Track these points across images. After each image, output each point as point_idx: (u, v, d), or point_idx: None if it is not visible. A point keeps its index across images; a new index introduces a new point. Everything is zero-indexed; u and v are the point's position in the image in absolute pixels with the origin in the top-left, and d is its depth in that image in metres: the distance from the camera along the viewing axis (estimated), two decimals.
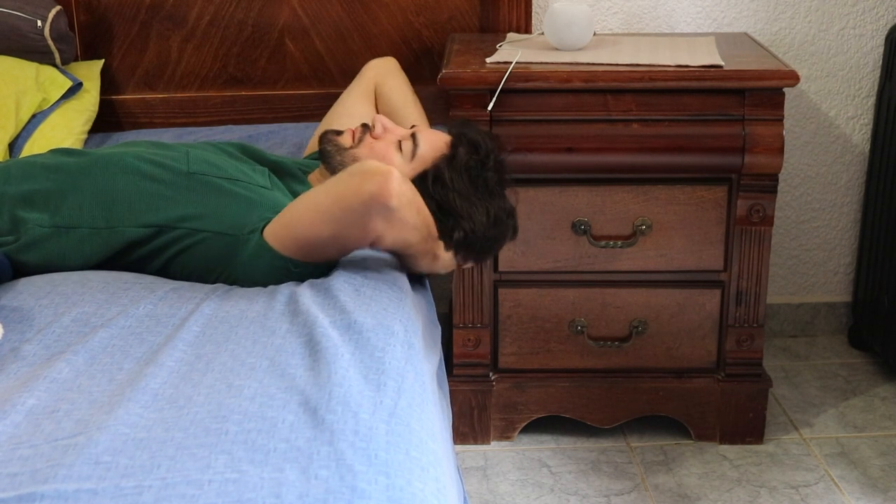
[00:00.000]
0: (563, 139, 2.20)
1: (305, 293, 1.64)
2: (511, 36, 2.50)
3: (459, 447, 2.37)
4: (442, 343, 1.94)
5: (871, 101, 2.73)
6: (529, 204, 2.22)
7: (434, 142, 1.95)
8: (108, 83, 2.56)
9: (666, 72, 2.18)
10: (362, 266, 1.78)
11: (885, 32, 2.67)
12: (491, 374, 2.36)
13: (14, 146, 2.30)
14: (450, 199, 1.86)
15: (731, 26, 2.66)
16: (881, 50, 2.68)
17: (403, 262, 1.87)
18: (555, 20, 2.29)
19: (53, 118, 2.35)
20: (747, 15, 2.66)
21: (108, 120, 2.55)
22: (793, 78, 2.16)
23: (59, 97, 2.37)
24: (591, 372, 2.36)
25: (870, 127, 2.75)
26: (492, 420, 2.38)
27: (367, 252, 1.83)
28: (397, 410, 1.31)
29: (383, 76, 2.30)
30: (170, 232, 1.77)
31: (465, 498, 1.63)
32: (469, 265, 1.97)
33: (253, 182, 1.86)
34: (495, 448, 2.38)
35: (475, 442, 2.39)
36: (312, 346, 1.45)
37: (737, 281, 2.28)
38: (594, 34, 2.39)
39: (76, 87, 2.40)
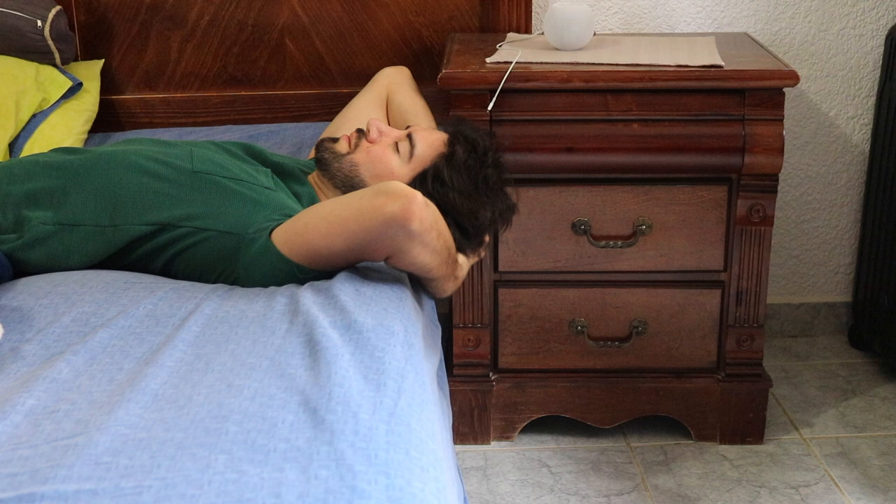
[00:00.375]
0: (563, 139, 2.20)
1: (306, 293, 1.64)
2: (511, 36, 2.50)
3: (459, 447, 2.37)
4: (442, 343, 1.94)
5: (871, 101, 2.73)
6: (529, 204, 2.22)
7: (431, 141, 1.95)
8: (108, 83, 2.56)
9: (666, 72, 2.18)
10: (363, 266, 1.78)
11: (885, 32, 2.67)
12: (491, 374, 2.36)
13: (14, 146, 2.30)
14: (450, 198, 1.86)
15: (731, 26, 2.66)
16: (881, 50, 2.68)
17: (425, 286, 1.87)
18: (555, 20, 2.29)
19: (53, 118, 2.35)
20: (747, 15, 2.66)
21: (108, 120, 2.55)
22: (793, 78, 2.16)
23: (59, 97, 2.37)
24: (591, 372, 2.36)
25: (870, 127, 2.75)
26: (492, 420, 2.38)
27: None
28: (397, 410, 1.31)
29: (396, 85, 2.30)
30: (173, 230, 1.77)
31: (465, 498, 1.63)
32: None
33: (257, 183, 1.86)
34: (495, 448, 2.38)
35: (475, 442, 2.39)
36: (312, 346, 1.45)
37: (737, 281, 2.28)
38: (594, 34, 2.39)
39: (76, 87, 2.40)
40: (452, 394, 2.28)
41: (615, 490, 2.22)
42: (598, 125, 2.20)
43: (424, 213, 1.66)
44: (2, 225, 1.81)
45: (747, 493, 2.21)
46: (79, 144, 2.36)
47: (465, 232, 1.86)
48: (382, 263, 1.79)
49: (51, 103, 2.36)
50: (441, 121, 2.15)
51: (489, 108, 2.17)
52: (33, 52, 2.36)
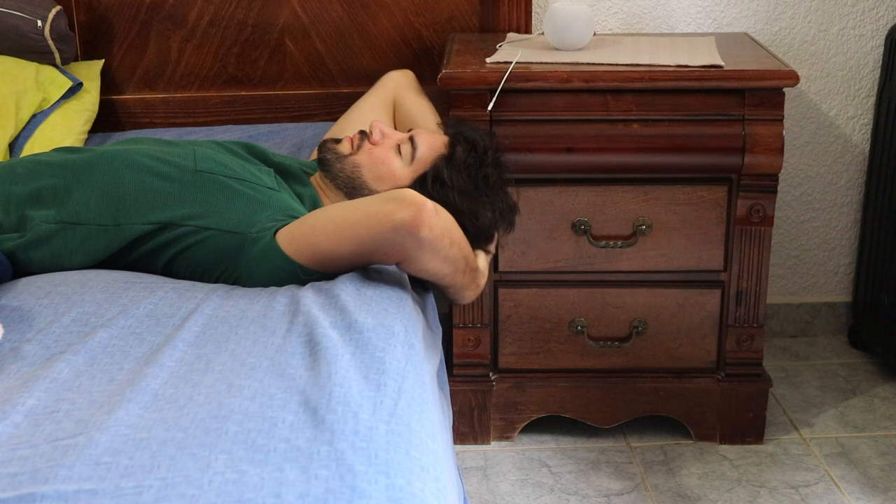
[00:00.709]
0: (563, 139, 2.20)
1: (306, 293, 1.64)
2: (511, 36, 2.50)
3: (459, 447, 2.37)
4: (442, 343, 1.94)
5: (871, 101, 2.73)
6: (529, 204, 2.22)
7: (432, 143, 1.96)
8: (108, 83, 2.56)
9: (666, 72, 2.18)
10: (364, 266, 1.78)
11: (885, 32, 2.67)
12: (491, 374, 2.36)
13: (14, 146, 2.30)
14: (450, 198, 1.86)
15: (731, 26, 2.66)
16: (881, 50, 2.68)
17: (445, 295, 1.88)
18: (555, 20, 2.29)
19: (53, 118, 2.35)
20: (747, 15, 2.66)
21: (108, 120, 2.55)
22: (793, 78, 2.16)
23: (59, 97, 2.37)
24: (591, 372, 2.36)
25: (870, 127, 2.75)
26: (492, 420, 2.38)
27: None
28: (397, 410, 1.31)
29: (403, 88, 2.31)
30: (175, 229, 1.77)
31: (465, 498, 1.63)
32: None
33: (260, 183, 1.86)
34: (495, 448, 2.38)
35: (475, 442, 2.39)
36: (313, 346, 1.45)
37: (737, 281, 2.28)
38: (594, 34, 2.39)
39: (76, 87, 2.40)
40: (452, 394, 2.28)
41: (615, 490, 2.22)
42: (598, 125, 2.20)
43: (434, 221, 1.65)
44: (4, 224, 1.81)
45: (747, 493, 2.21)
46: (79, 144, 2.36)
47: (468, 232, 1.86)
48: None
49: (51, 103, 2.36)
50: (442, 122, 2.16)
51: (489, 108, 2.17)
52: (33, 52, 2.36)
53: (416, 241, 1.65)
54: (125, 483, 1.15)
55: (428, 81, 2.33)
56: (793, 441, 2.40)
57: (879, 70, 2.69)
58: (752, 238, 2.26)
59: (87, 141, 2.42)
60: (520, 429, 2.40)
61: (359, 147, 1.98)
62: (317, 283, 1.69)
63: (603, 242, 2.27)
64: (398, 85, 2.32)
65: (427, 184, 1.89)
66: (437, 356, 1.80)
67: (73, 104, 2.39)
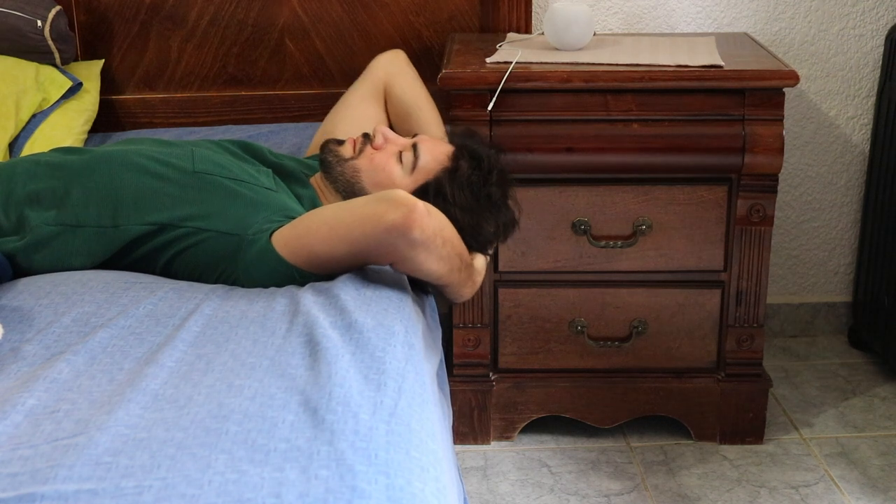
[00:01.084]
0: (563, 139, 2.20)
1: (306, 294, 1.64)
2: (511, 36, 2.50)
3: (459, 447, 2.37)
4: (442, 343, 1.94)
5: (871, 101, 2.73)
6: (529, 204, 2.22)
7: (435, 154, 1.93)
8: (108, 83, 2.56)
9: (666, 72, 2.18)
10: (363, 267, 1.78)
11: (885, 32, 2.67)
12: (491, 374, 2.36)
13: (14, 146, 2.30)
14: (451, 214, 1.82)
15: (731, 26, 2.66)
16: (881, 50, 2.68)
17: (443, 294, 1.87)
18: (555, 20, 2.29)
19: (53, 118, 2.35)
20: (747, 15, 2.66)
21: (108, 120, 2.55)
22: (793, 78, 2.16)
23: (59, 97, 2.37)
24: (591, 372, 2.36)
25: (870, 127, 2.75)
26: (492, 420, 2.38)
27: None
28: (397, 410, 1.31)
29: (393, 75, 2.26)
30: (173, 230, 1.77)
31: (465, 498, 1.63)
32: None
33: (258, 184, 1.86)
34: (495, 448, 2.38)
35: (475, 442, 2.39)
36: (313, 346, 1.45)
37: (737, 281, 2.28)
38: (594, 34, 2.39)
39: (76, 87, 2.40)
40: (452, 394, 2.28)
41: (615, 490, 2.22)
42: (598, 125, 2.20)
43: (426, 222, 1.65)
44: (4, 226, 1.81)
45: (747, 493, 2.21)
46: (79, 144, 2.36)
47: (467, 244, 1.85)
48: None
49: (51, 103, 2.36)
50: (450, 129, 2.14)
51: (489, 108, 2.17)
52: (33, 52, 2.36)
53: (408, 242, 1.64)
54: (125, 483, 1.15)
55: (428, 81, 2.33)
56: (793, 441, 2.40)
57: (879, 70, 2.69)
58: (752, 238, 2.26)
59: (87, 141, 2.42)
60: (520, 429, 2.40)
61: (360, 151, 1.96)
62: (316, 284, 1.69)
63: (603, 242, 2.27)
64: (388, 72, 2.27)
65: (429, 196, 1.86)
66: (437, 356, 1.80)
67: (73, 104, 2.39)
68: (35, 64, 2.38)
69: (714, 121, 2.19)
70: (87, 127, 2.42)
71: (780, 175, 2.56)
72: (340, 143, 2.00)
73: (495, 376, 2.36)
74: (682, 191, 2.25)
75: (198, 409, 1.29)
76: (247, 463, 1.18)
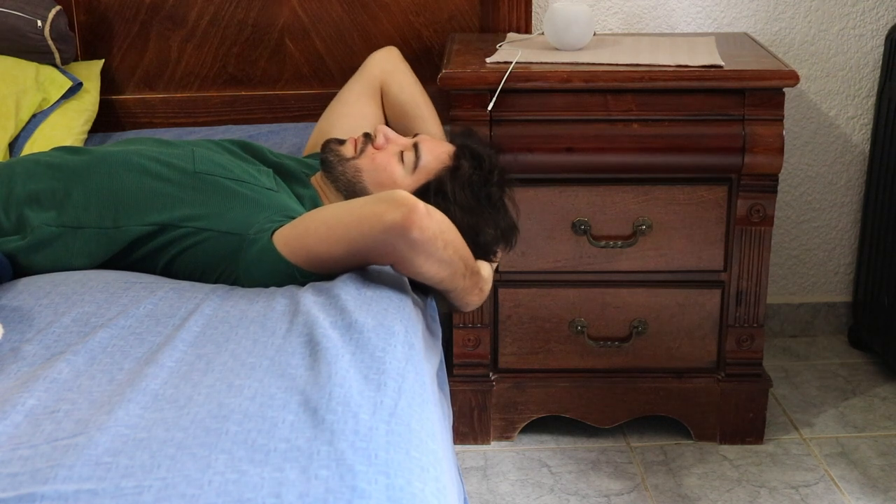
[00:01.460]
0: (563, 139, 2.20)
1: (306, 294, 1.64)
2: (511, 36, 2.50)
3: (459, 447, 2.37)
4: (442, 343, 1.93)
5: (871, 101, 2.73)
6: (529, 204, 2.22)
7: (437, 153, 1.93)
8: (108, 83, 2.56)
9: (666, 72, 2.18)
10: (364, 267, 1.78)
11: (885, 32, 2.67)
12: (491, 374, 2.36)
13: (14, 146, 2.30)
14: (452, 213, 1.82)
15: (731, 26, 2.66)
16: (881, 50, 2.68)
17: (449, 300, 1.85)
18: (555, 20, 2.29)
19: (53, 118, 2.35)
20: (747, 15, 2.66)
21: (108, 120, 2.55)
22: (793, 78, 2.16)
23: (59, 97, 2.37)
24: (591, 372, 2.36)
25: (870, 127, 2.75)
26: (492, 420, 2.38)
27: None
28: (398, 410, 1.31)
29: (389, 73, 2.27)
30: (173, 230, 1.77)
31: (465, 498, 1.63)
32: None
33: (259, 184, 1.86)
34: (495, 448, 2.38)
35: (475, 442, 2.39)
36: (313, 346, 1.45)
37: (737, 281, 2.28)
38: (594, 34, 2.39)
39: (76, 87, 2.40)
40: (452, 394, 2.28)
41: (615, 490, 2.22)
42: (598, 125, 2.20)
43: (426, 223, 1.64)
44: (4, 225, 1.81)
45: (747, 493, 2.21)
46: (79, 144, 2.36)
47: (471, 250, 1.84)
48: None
49: (51, 103, 2.36)
50: (450, 128, 2.14)
51: (489, 108, 2.17)
52: (33, 52, 2.36)
53: (407, 243, 1.64)
54: (125, 483, 1.15)
55: (428, 81, 2.33)
56: (793, 441, 2.40)
57: (879, 70, 2.69)
58: (752, 238, 2.26)
59: (86, 141, 2.42)
60: (520, 429, 2.40)
61: (362, 151, 1.96)
62: (317, 284, 1.69)
63: (603, 242, 2.27)
64: (383, 70, 2.27)
65: (430, 195, 1.86)
66: (438, 356, 1.80)
67: (73, 104, 2.39)
68: (35, 64, 2.38)
69: (714, 121, 2.19)
70: (87, 127, 2.42)
71: (780, 175, 2.56)
72: (341, 142, 2.00)
73: (495, 376, 2.36)
74: (682, 191, 2.25)
75: (198, 409, 1.29)
76: (247, 463, 1.18)
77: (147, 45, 2.56)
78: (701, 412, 2.37)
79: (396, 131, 2.22)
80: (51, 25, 2.35)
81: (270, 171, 1.96)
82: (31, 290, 1.67)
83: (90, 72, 2.48)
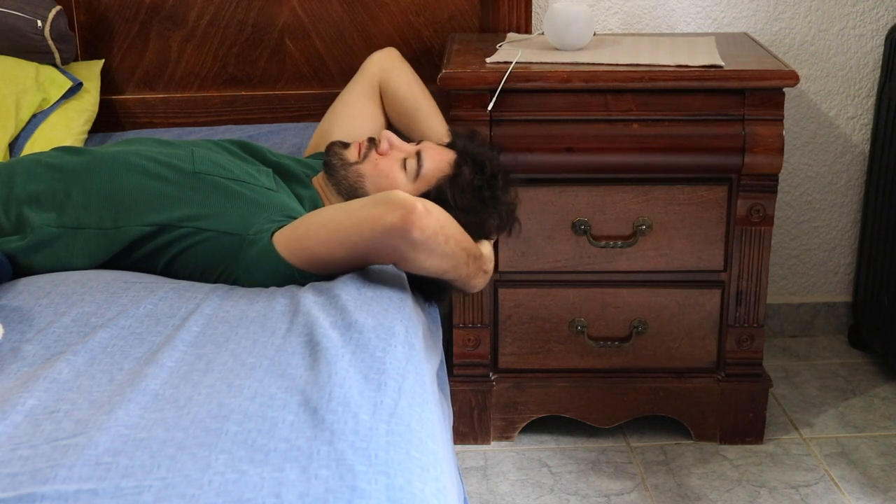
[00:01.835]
0: (563, 139, 2.20)
1: (306, 294, 1.64)
2: (511, 36, 2.50)
3: (459, 447, 2.37)
4: (442, 343, 1.93)
5: (871, 101, 2.73)
6: (529, 204, 2.22)
7: (438, 161, 1.94)
8: (108, 83, 2.56)
9: (666, 72, 2.18)
10: (364, 267, 1.78)
11: (885, 32, 2.67)
12: (491, 374, 2.36)
13: (14, 146, 2.30)
14: (454, 216, 1.83)
15: (731, 26, 2.66)
16: (881, 50, 2.68)
17: (454, 287, 1.85)
18: (555, 20, 2.29)
19: (53, 118, 2.35)
20: (747, 15, 2.66)
21: (108, 120, 2.55)
22: (793, 78, 2.16)
23: (59, 97, 2.37)
24: (591, 372, 2.36)
25: (870, 127, 2.75)
26: (492, 420, 2.38)
27: None
28: (398, 410, 1.31)
29: (387, 72, 2.27)
30: (173, 230, 1.77)
31: (465, 498, 1.63)
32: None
33: (258, 184, 1.86)
34: (495, 448, 2.38)
35: (475, 442, 2.39)
36: (313, 346, 1.45)
37: (737, 281, 2.28)
38: (594, 34, 2.39)
39: (76, 87, 2.40)
40: (452, 394, 2.28)
41: (615, 490, 2.22)
42: (598, 125, 2.20)
43: (425, 222, 1.64)
44: (4, 226, 1.81)
45: (747, 493, 2.21)
46: (79, 144, 2.36)
47: (472, 237, 1.84)
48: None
49: (51, 103, 2.36)
50: (451, 129, 2.14)
51: (489, 108, 2.17)
52: (33, 52, 2.36)
53: (408, 243, 1.64)
54: (125, 483, 1.15)
55: (428, 81, 2.33)
56: (793, 441, 2.40)
57: (879, 70, 2.69)
58: (752, 238, 2.26)
59: (86, 141, 2.42)
60: (520, 429, 2.40)
61: (365, 156, 1.96)
62: (317, 284, 1.69)
63: (603, 242, 2.27)
64: (382, 69, 2.28)
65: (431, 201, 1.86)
66: (438, 356, 1.80)
67: (73, 104, 2.39)
68: (35, 64, 2.38)
69: (714, 121, 2.19)
70: (87, 127, 2.42)
71: (780, 175, 2.56)
72: (346, 145, 2.00)
73: (495, 376, 2.36)
74: (682, 191, 2.25)
75: (198, 409, 1.29)
76: (247, 463, 1.18)
77: (147, 45, 2.56)
78: (701, 412, 2.37)
79: (399, 130, 2.23)
80: (51, 25, 2.35)
81: (270, 171, 1.96)
82: (31, 290, 1.67)
83: (90, 72, 2.48)
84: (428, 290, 1.87)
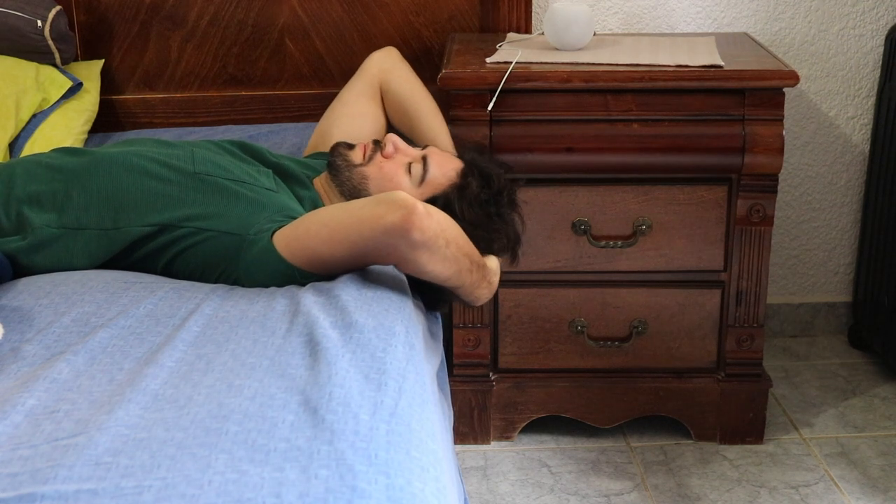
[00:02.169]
0: (563, 139, 2.20)
1: (306, 294, 1.63)
2: (511, 36, 2.50)
3: (459, 447, 2.37)
4: (442, 343, 1.93)
5: (871, 101, 2.73)
6: (529, 204, 2.22)
7: (445, 168, 1.93)
8: (108, 83, 2.56)
9: (666, 72, 2.18)
10: (364, 267, 1.77)
11: (885, 32, 2.67)
12: (491, 374, 2.36)
13: (14, 146, 2.30)
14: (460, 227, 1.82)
15: (731, 26, 2.66)
16: (881, 50, 2.69)
17: (458, 296, 1.84)
18: (555, 20, 2.29)
19: (53, 118, 2.35)
20: (747, 15, 2.66)
21: (108, 120, 2.55)
22: (793, 78, 2.16)
23: (59, 97, 2.37)
24: (591, 372, 2.36)
25: (870, 127, 2.75)
26: (492, 420, 2.38)
27: None
28: (398, 410, 1.31)
29: (388, 71, 2.27)
30: (174, 230, 1.77)
31: (465, 498, 1.63)
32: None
33: (258, 184, 1.86)
34: (495, 448, 2.38)
35: (475, 442, 2.39)
36: (313, 346, 1.45)
37: (737, 281, 2.28)
38: (594, 34, 2.39)
39: (76, 87, 2.40)
40: (452, 394, 2.28)
41: (615, 490, 2.22)
42: (598, 125, 2.20)
43: (426, 223, 1.63)
44: (4, 225, 1.81)
45: (747, 493, 2.21)
46: (79, 144, 2.36)
47: (479, 249, 1.84)
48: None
49: (51, 103, 2.36)
50: (455, 131, 2.14)
51: (489, 108, 2.17)
52: (33, 52, 2.36)
53: (408, 244, 1.63)
54: (125, 483, 1.15)
55: (428, 81, 2.33)
56: (793, 441, 2.40)
57: (879, 70, 2.69)
58: (752, 238, 2.26)
59: (86, 141, 2.42)
60: (520, 429, 2.40)
61: (370, 158, 1.96)
62: (317, 284, 1.69)
63: (603, 242, 2.27)
64: (382, 69, 2.27)
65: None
66: (438, 356, 1.80)
67: (73, 104, 2.39)
68: (35, 64, 2.38)
69: (714, 121, 2.19)
70: (87, 127, 2.42)
71: (780, 175, 2.56)
72: (350, 147, 1.99)
73: (495, 376, 2.36)
74: (682, 191, 2.25)
75: (198, 409, 1.29)
76: (247, 463, 1.18)
77: (147, 45, 2.56)
78: (701, 412, 2.37)
79: (399, 130, 2.23)
80: (51, 25, 2.35)
81: (270, 171, 1.96)
82: (31, 290, 1.67)
83: (90, 72, 2.48)
84: (430, 299, 1.86)
